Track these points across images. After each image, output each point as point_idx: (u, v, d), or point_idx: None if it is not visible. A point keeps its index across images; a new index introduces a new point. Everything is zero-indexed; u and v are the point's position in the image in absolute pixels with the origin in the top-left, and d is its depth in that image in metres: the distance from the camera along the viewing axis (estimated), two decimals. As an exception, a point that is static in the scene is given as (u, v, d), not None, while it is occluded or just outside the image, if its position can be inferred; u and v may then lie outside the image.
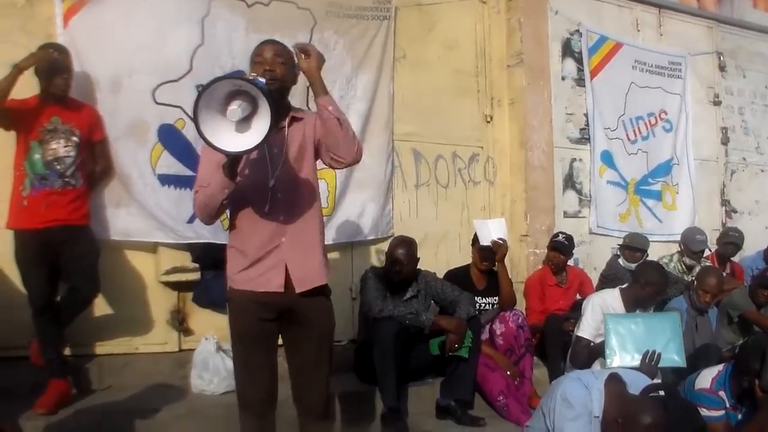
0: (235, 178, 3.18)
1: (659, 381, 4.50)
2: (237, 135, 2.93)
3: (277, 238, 3.36)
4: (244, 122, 2.93)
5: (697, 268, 7.01)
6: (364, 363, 5.20)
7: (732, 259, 7.63)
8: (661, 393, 3.63)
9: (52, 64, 4.61)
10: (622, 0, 8.05)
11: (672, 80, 8.29)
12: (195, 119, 2.88)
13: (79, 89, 4.98)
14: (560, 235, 6.46)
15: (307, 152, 3.46)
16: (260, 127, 2.91)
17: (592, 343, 5.16)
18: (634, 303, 5.28)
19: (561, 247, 6.34)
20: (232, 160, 3.09)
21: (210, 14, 5.55)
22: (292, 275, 3.37)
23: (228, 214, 3.48)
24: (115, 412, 4.56)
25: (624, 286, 5.48)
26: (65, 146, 4.66)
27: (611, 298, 5.34)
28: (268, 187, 3.35)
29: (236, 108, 2.89)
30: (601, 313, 5.18)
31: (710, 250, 7.54)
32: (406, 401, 5.24)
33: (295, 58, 3.43)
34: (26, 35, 5.04)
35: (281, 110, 3.28)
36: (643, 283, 5.31)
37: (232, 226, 3.46)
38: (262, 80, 3.03)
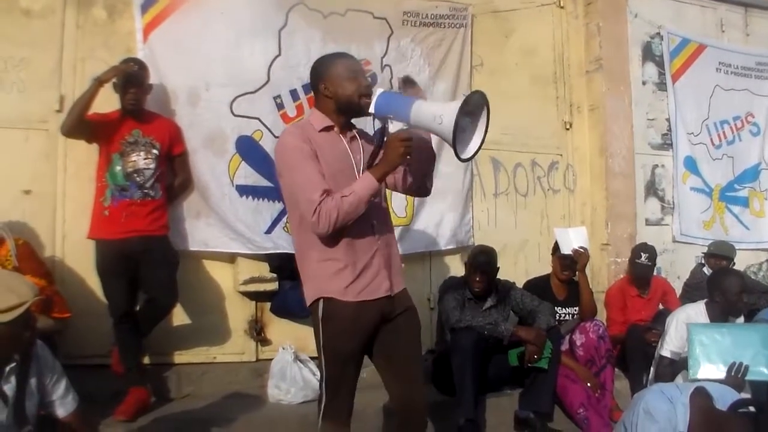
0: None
1: (749, 396, 4.33)
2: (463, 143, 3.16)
3: (375, 243, 3.39)
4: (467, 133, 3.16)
5: (789, 277, 6.81)
6: (442, 374, 5.16)
7: (825, 267, 7.35)
8: (752, 409, 3.50)
9: (126, 77, 4.70)
10: (705, 0, 7.84)
11: (759, 82, 8.03)
12: (454, 135, 3.02)
13: (157, 102, 5.10)
14: (642, 255, 6.21)
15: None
16: (479, 133, 3.19)
17: (676, 360, 5.01)
18: (721, 315, 5.08)
19: (644, 272, 6.22)
20: (391, 169, 3.29)
21: (287, 26, 5.60)
22: (392, 276, 3.42)
23: (307, 228, 3.33)
24: (192, 420, 4.61)
25: (709, 299, 5.29)
26: (145, 158, 4.75)
27: (696, 313, 5.15)
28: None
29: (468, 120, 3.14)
30: (685, 330, 5.01)
31: (802, 259, 7.29)
32: (485, 413, 5.18)
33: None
34: (108, 51, 5.19)
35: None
36: (717, 293, 5.12)
37: (324, 239, 3.32)
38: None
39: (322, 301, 3.34)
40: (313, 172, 3.24)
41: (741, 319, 5.25)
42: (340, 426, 3.43)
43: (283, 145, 3.38)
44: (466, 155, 3.17)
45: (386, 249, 3.45)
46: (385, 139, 3.26)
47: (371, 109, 3.26)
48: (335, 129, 3.41)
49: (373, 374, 5.48)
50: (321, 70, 3.48)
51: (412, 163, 3.45)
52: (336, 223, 3.18)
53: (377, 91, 3.26)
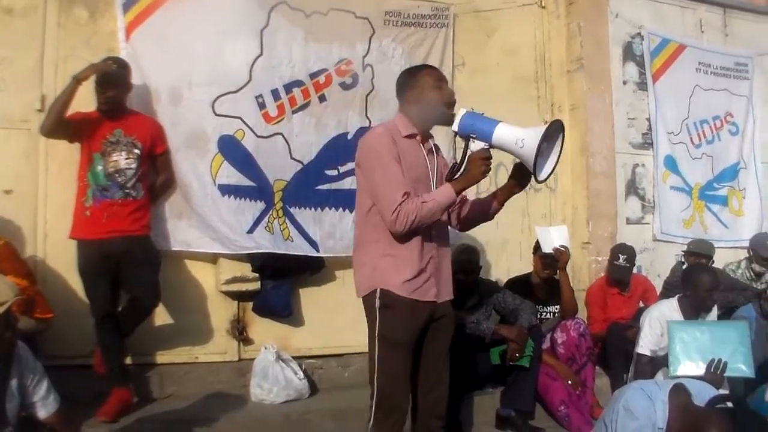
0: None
1: (726, 392, 4.37)
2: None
3: (431, 251, 3.58)
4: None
5: (767, 275, 6.84)
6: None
7: (803, 265, 7.39)
8: (729, 404, 3.53)
9: (104, 77, 4.67)
10: (684, 1, 7.90)
11: (738, 82, 8.11)
12: (535, 160, 3.32)
13: (140, 101, 5.09)
14: (620, 257, 6.27)
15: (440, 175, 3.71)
16: (554, 155, 3.51)
17: (654, 358, 5.05)
18: (692, 311, 5.14)
19: (622, 273, 6.28)
20: (470, 185, 3.55)
21: (269, 25, 5.60)
22: (440, 285, 3.62)
23: (376, 223, 3.56)
24: (175, 420, 4.61)
25: (682, 295, 5.35)
26: (126, 158, 4.74)
27: (669, 309, 5.20)
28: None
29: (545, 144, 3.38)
30: (660, 327, 5.07)
31: (779, 256, 7.34)
32: (466, 411, 5.20)
33: None
34: (90, 50, 5.15)
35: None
36: (689, 288, 5.18)
37: (394, 236, 3.52)
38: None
39: (379, 291, 3.52)
40: (398, 173, 3.46)
41: (713, 315, 5.29)
42: (395, 425, 3.54)
43: (373, 140, 3.58)
44: (542, 177, 3.48)
45: (439, 259, 3.64)
46: (467, 156, 3.46)
47: (455, 128, 3.50)
48: (418, 138, 3.62)
49: (356, 373, 5.53)
50: (408, 77, 3.75)
51: (479, 209, 3.85)
52: (412, 224, 3.42)
53: (461, 111, 3.50)
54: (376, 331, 3.52)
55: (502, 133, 3.41)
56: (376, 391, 3.54)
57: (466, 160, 3.47)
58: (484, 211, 3.85)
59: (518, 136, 3.38)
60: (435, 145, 3.78)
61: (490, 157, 3.46)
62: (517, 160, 3.58)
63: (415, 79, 3.69)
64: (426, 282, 3.55)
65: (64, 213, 4.83)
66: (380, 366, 3.54)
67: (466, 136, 3.47)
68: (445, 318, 3.68)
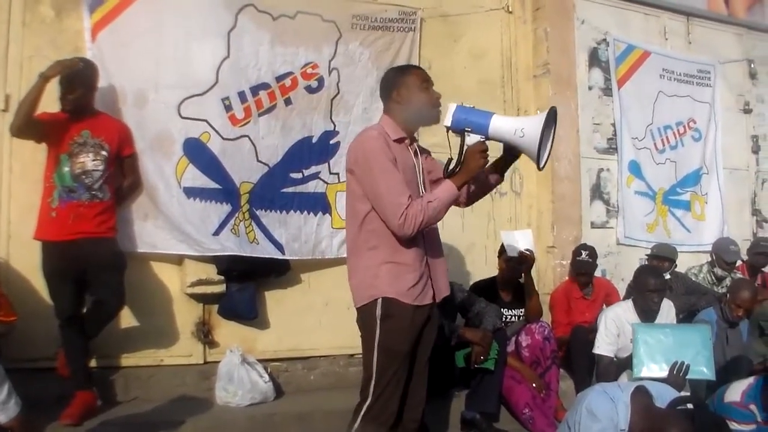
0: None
1: (687, 394, 4.43)
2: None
3: (425, 252, 3.59)
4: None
5: (728, 279, 6.94)
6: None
7: (763, 270, 7.50)
8: (689, 406, 3.58)
9: (70, 76, 4.63)
10: (649, 8, 8.00)
11: (701, 88, 8.23)
12: (539, 151, 3.38)
13: (105, 103, 5.05)
14: (583, 252, 6.37)
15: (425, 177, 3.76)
16: (547, 143, 3.50)
17: (614, 358, 5.12)
18: (644, 312, 5.22)
19: (585, 268, 6.32)
20: (470, 179, 3.58)
21: (236, 27, 5.59)
22: (435, 287, 3.62)
23: (373, 229, 3.54)
24: (140, 424, 4.58)
25: (634, 296, 5.43)
26: (94, 160, 4.70)
27: (624, 311, 5.31)
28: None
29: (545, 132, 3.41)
30: (615, 327, 5.17)
31: (742, 261, 7.44)
32: (431, 413, 5.17)
33: None
34: (55, 49, 5.11)
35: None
36: (635, 289, 5.31)
37: (385, 240, 3.52)
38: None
39: (381, 300, 3.49)
40: (398, 177, 3.46)
41: (669, 317, 5.37)
42: (381, 427, 3.52)
43: (368, 146, 3.53)
44: (542, 164, 3.47)
45: (433, 258, 3.65)
46: (465, 150, 3.46)
47: (447, 123, 3.50)
48: (406, 141, 3.65)
49: (321, 376, 5.54)
50: (394, 78, 3.74)
51: (480, 183, 3.81)
52: (420, 226, 3.43)
53: (452, 106, 3.51)
54: (376, 342, 3.49)
55: (499, 124, 3.43)
56: (371, 398, 3.51)
57: (463, 154, 3.47)
58: (486, 184, 3.89)
59: (516, 126, 3.42)
60: (419, 147, 3.81)
61: (487, 149, 3.47)
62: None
63: (403, 79, 3.69)
64: (426, 285, 3.58)
65: (28, 214, 4.79)
66: (379, 376, 3.51)
67: (460, 130, 3.47)
68: (432, 319, 3.69)
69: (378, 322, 3.49)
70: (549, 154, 3.52)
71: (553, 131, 3.52)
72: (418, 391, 3.71)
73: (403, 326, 3.50)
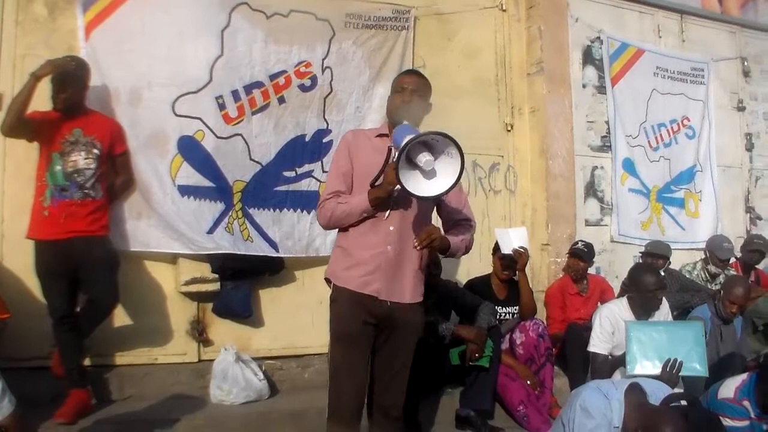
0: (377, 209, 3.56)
1: (681, 391, 4.44)
2: (423, 181, 3.32)
3: (382, 246, 3.58)
4: (430, 171, 3.31)
5: (722, 277, 6.95)
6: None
7: (756, 267, 7.52)
8: (683, 403, 3.59)
9: (60, 75, 4.63)
10: (643, 6, 8.00)
11: (695, 86, 8.23)
12: (397, 170, 3.21)
13: (99, 101, 5.06)
14: (579, 242, 6.43)
15: None
16: (447, 174, 3.31)
17: (609, 357, 5.13)
18: (639, 309, 5.23)
19: (580, 254, 6.29)
20: (387, 196, 3.49)
21: (230, 26, 5.59)
22: (385, 284, 3.59)
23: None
24: (134, 422, 4.58)
25: (630, 294, 5.43)
26: (86, 158, 4.70)
27: (619, 308, 5.30)
28: (390, 200, 3.57)
29: (431, 158, 3.27)
30: (610, 325, 5.16)
31: (735, 258, 7.45)
32: (426, 411, 5.22)
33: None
34: (48, 48, 5.11)
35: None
36: (634, 288, 5.30)
37: (343, 229, 3.67)
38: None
39: (332, 283, 3.66)
40: (338, 171, 3.66)
41: (664, 314, 5.37)
42: (344, 426, 3.54)
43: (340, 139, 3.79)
44: (416, 190, 3.29)
45: (395, 258, 3.61)
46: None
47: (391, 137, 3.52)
48: (389, 137, 3.64)
49: (316, 374, 5.53)
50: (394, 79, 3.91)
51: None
52: (328, 221, 3.65)
53: (403, 123, 3.51)
54: (332, 328, 3.65)
55: (401, 137, 3.34)
56: (330, 391, 3.61)
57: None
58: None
59: (406, 138, 3.29)
60: None
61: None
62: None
63: (394, 81, 3.89)
64: (369, 275, 3.57)
65: (21, 213, 4.78)
66: (330, 360, 3.66)
67: (394, 146, 3.47)
68: (403, 325, 3.66)
69: (330, 303, 3.67)
70: (449, 189, 3.34)
71: (457, 166, 3.33)
72: (387, 395, 3.71)
73: (343, 308, 3.58)
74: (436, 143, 3.30)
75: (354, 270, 3.58)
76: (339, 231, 3.73)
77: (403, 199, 3.57)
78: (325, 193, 3.68)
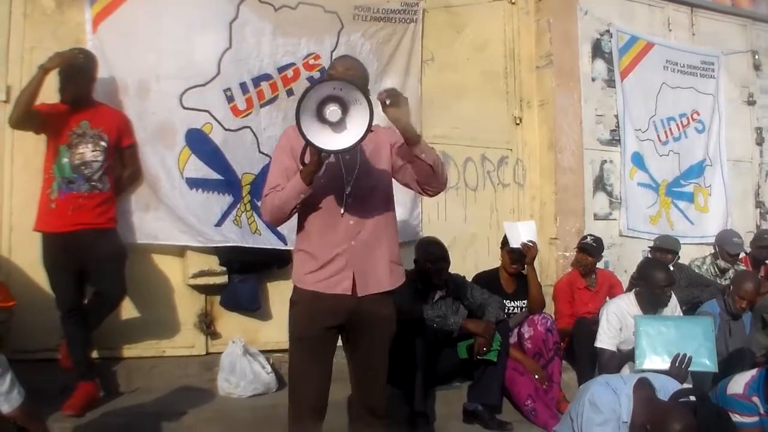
0: (312, 185, 3.28)
1: (689, 386, 4.43)
2: (334, 135, 3.07)
3: (346, 242, 3.43)
4: (339, 124, 3.07)
5: (731, 271, 6.93)
6: (392, 366, 5.17)
7: (766, 262, 7.49)
8: (692, 398, 3.58)
9: (68, 68, 4.62)
10: (653, -1, 7.97)
11: (705, 80, 8.21)
12: (297, 119, 2.99)
13: (107, 94, 5.05)
14: (588, 237, 6.41)
15: (381, 161, 3.54)
16: (358, 125, 3.05)
17: (618, 351, 5.11)
18: (647, 304, 5.22)
19: (589, 249, 6.28)
20: (315, 167, 3.22)
21: (238, 18, 5.58)
22: (357, 279, 3.43)
23: (296, 218, 3.53)
24: (142, 414, 4.57)
25: (638, 289, 5.41)
26: (93, 150, 4.69)
27: (626, 303, 5.31)
28: (344, 193, 3.43)
29: (336, 109, 3.03)
30: (617, 320, 5.16)
31: (745, 253, 7.43)
32: (434, 405, 5.22)
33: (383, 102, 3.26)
34: (56, 41, 5.09)
35: None
36: (643, 284, 5.31)
37: (300, 229, 3.53)
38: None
39: (294, 286, 3.53)
40: (279, 169, 3.45)
41: (671, 310, 5.35)
42: (305, 426, 3.48)
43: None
44: (327, 145, 3.08)
45: (363, 250, 3.47)
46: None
47: None
48: None
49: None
50: None
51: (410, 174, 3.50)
52: (272, 214, 3.45)
53: None
54: (290, 330, 3.55)
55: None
56: (289, 391, 3.57)
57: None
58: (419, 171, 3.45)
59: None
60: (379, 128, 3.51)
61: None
62: None
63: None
64: (336, 275, 3.42)
65: (30, 205, 4.78)
66: (289, 363, 3.58)
67: None
68: (374, 320, 3.50)
69: (289, 307, 3.55)
70: (358, 141, 3.09)
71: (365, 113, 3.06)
72: (365, 393, 3.63)
73: (302, 312, 3.48)
74: (345, 95, 3.05)
75: (320, 272, 3.43)
76: (298, 233, 3.56)
77: (358, 190, 3.44)
78: (265, 189, 3.48)
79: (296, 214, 3.47)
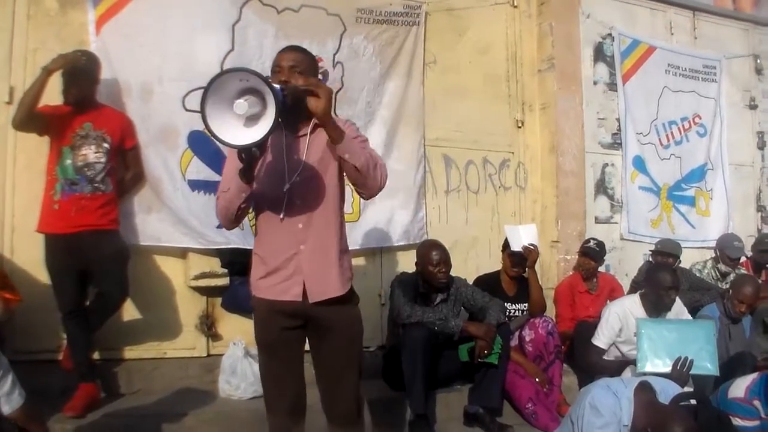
0: (251, 182, 3.15)
1: (690, 389, 4.44)
2: (246, 130, 2.84)
3: (294, 247, 3.31)
4: (254, 119, 2.83)
5: (732, 275, 6.92)
6: (393, 369, 5.19)
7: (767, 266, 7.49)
8: (693, 402, 3.58)
9: (71, 69, 4.64)
10: (655, 3, 7.98)
11: (706, 84, 8.21)
12: (202, 111, 2.80)
13: (110, 95, 5.06)
14: (591, 241, 6.41)
15: (332, 161, 3.33)
16: (267, 121, 2.80)
17: (605, 351, 5.16)
18: (653, 307, 5.22)
19: (592, 254, 6.29)
20: (248, 164, 3.03)
21: (241, 20, 5.58)
22: (308, 285, 3.31)
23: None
24: (143, 416, 4.59)
25: (643, 291, 5.42)
26: (96, 152, 4.70)
27: (631, 305, 5.32)
28: (284, 193, 3.28)
29: (243, 102, 2.78)
30: (618, 321, 5.19)
31: (746, 257, 7.43)
32: (434, 408, 5.23)
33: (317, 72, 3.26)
34: (59, 42, 5.10)
35: (301, 117, 3.23)
36: (648, 286, 5.33)
37: (256, 233, 3.45)
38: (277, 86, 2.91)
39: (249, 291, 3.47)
40: (228, 171, 3.27)
41: (675, 313, 5.36)
42: (278, 418, 3.47)
43: None
44: (235, 140, 2.85)
45: (312, 255, 3.33)
46: None
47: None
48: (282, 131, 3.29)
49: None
50: None
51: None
52: (220, 215, 3.35)
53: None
54: (255, 336, 3.50)
55: None
56: (264, 394, 3.56)
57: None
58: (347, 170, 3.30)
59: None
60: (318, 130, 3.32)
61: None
62: None
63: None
64: (286, 281, 3.32)
65: (32, 206, 4.78)
66: (259, 371, 3.59)
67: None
68: (334, 325, 3.41)
69: (254, 314, 3.50)
70: (266, 135, 2.82)
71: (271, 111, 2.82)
72: (334, 389, 3.50)
73: (262, 320, 3.42)
74: (257, 86, 2.80)
75: (271, 278, 3.35)
76: (255, 236, 3.46)
77: (304, 191, 3.29)
78: (218, 192, 3.34)
79: (246, 216, 3.41)
